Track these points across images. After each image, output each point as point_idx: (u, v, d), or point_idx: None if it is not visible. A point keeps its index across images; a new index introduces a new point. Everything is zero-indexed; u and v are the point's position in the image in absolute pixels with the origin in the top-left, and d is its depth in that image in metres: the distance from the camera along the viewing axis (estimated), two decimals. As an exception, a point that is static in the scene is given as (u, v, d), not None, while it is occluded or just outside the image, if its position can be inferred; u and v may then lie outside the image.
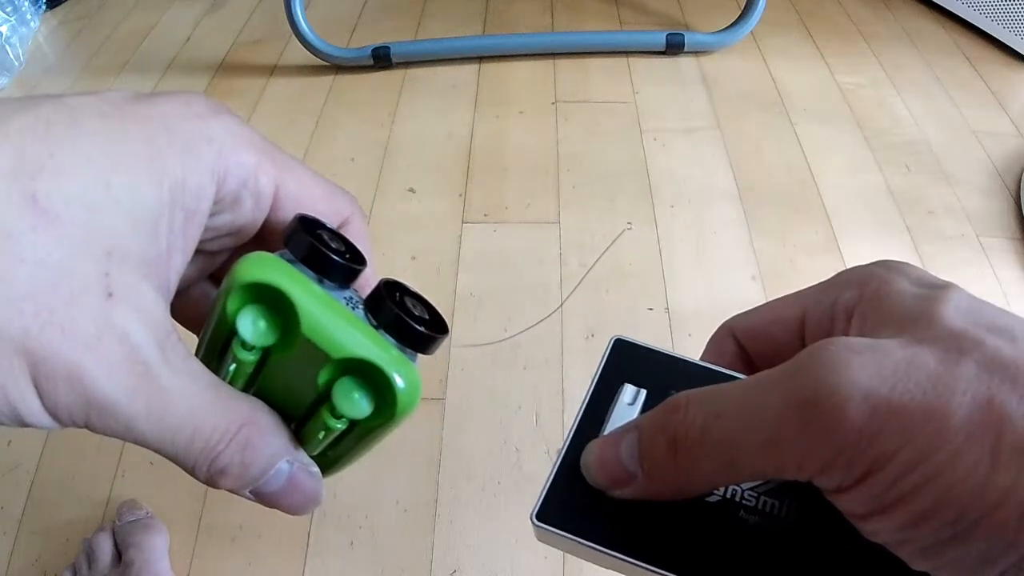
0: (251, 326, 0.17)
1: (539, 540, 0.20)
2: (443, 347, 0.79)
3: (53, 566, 0.65)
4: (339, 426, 0.18)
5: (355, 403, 0.17)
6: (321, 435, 0.18)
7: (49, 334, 0.14)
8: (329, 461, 0.20)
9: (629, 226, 0.92)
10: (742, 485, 0.19)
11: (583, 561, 0.20)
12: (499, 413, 0.74)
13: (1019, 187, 0.98)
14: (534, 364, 0.78)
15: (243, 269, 0.17)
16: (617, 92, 1.15)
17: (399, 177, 1.00)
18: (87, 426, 0.16)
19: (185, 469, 0.18)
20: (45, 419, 0.15)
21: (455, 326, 0.82)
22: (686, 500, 0.19)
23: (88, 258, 0.15)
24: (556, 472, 0.20)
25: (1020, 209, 0.95)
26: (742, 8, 1.22)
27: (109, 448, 0.72)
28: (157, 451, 0.17)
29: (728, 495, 0.19)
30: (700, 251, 0.89)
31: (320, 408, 0.18)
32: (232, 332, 0.17)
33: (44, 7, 1.42)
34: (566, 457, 0.20)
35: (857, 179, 0.99)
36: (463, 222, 0.93)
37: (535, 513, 0.19)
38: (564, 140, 1.06)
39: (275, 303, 0.17)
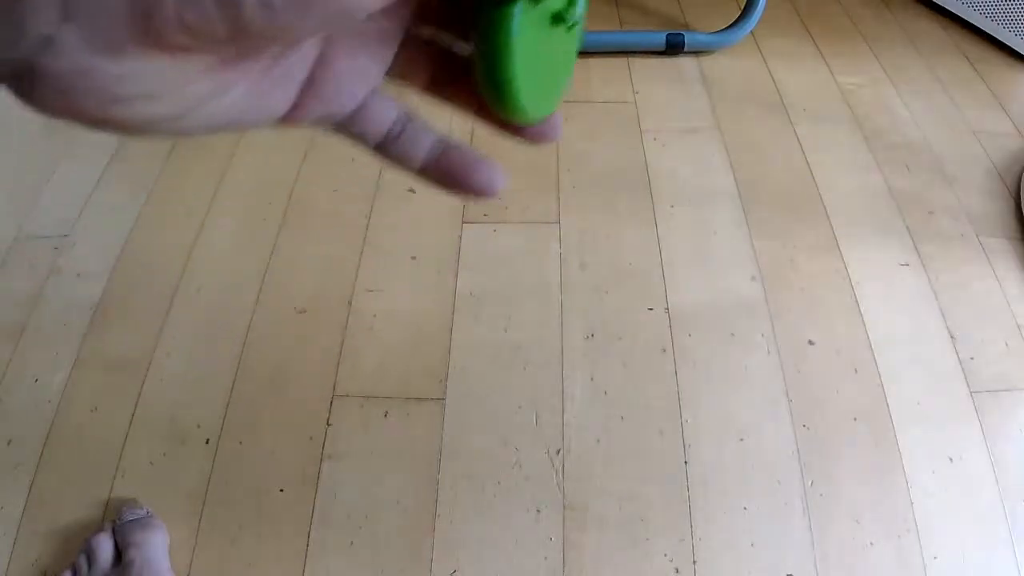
0: None
1: None
2: (443, 347, 0.79)
3: (53, 566, 0.65)
4: None
5: None
6: None
7: None
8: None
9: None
10: None
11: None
12: (499, 413, 0.74)
13: (1019, 187, 0.98)
14: (534, 364, 0.78)
15: None
16: (617, 92, 1.15)
17: (399, 177, 1.00)
18: None
19: None
20: None
21: (455, 326, 0.82)
22: None
23: None
24: None
25: (1020, 209, 0.95)
26: (742, 8, 1.22)
27: (109, 448, 0.72)
28: None
29: None
30: (700, 251, 0.89)
31: None
32: None
33: (44, 7, 1.42)
34: None
35: (857, 179, 0.99)
36: (463, 222, 0.93)
37: None
38: (564, 140, 1.06)
39: None
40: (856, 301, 0.83)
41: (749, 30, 1.21)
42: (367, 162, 1.03)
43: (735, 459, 0.71)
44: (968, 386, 0.77)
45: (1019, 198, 0.97)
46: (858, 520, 0.67)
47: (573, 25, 0.21)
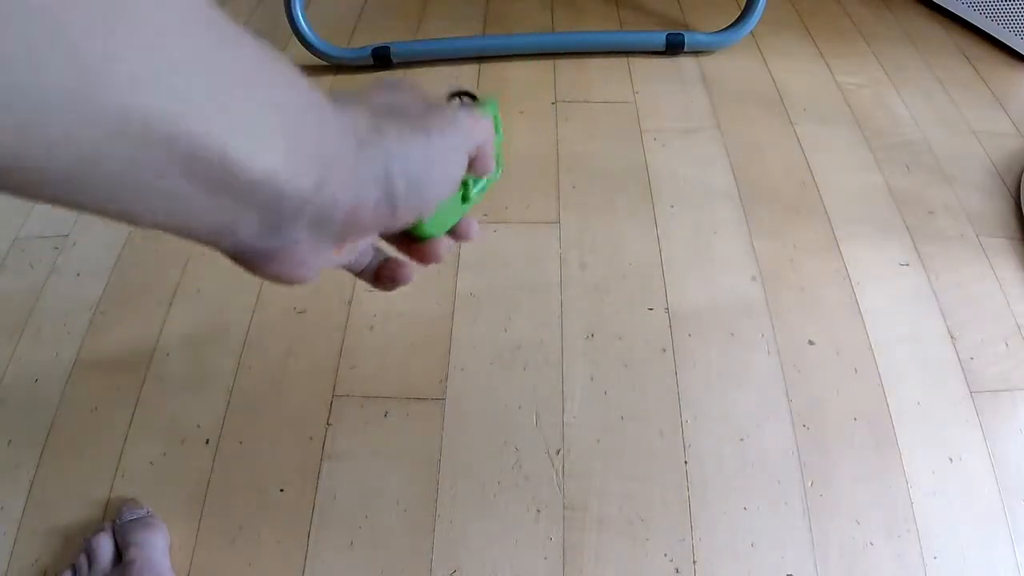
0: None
1: None
2: (443, 347, 0.79)
3: (53, 566, 0.65)
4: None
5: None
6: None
7: None
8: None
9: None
10: None
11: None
12: (499, 413, 0.74)
13: (1019, 187, 0.98)
14: (534, 364, 0.78)
15: (492, 107, 0.33)
16: (617, 92, 1.15)
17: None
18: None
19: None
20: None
21: (455, 326, 0.82)
22: None
23: None
24: None
25: (1020, 209, 0.95)
26: (742, 8, 1.22)
27: (109, 448, 0.72)
28: None
29: None
30: (700, 251, 0.89)
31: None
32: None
33: (44, 7, 1.42)
34: None
35: (857, 179, 0.99)
36: (463, 222, 0.93)
37: None
38: (564, 140, 1.06)
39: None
40: (856, 301, 0.84)
41: (749, 30, 1.21)
42: (367, 162, 1.03)
43: (735, 459, 0.71)
44: (968, 386, 0.77)
45: (1019, 198, 0.97)
46: (858, 520, 0.67)
47: (468, 201, 0.32)
